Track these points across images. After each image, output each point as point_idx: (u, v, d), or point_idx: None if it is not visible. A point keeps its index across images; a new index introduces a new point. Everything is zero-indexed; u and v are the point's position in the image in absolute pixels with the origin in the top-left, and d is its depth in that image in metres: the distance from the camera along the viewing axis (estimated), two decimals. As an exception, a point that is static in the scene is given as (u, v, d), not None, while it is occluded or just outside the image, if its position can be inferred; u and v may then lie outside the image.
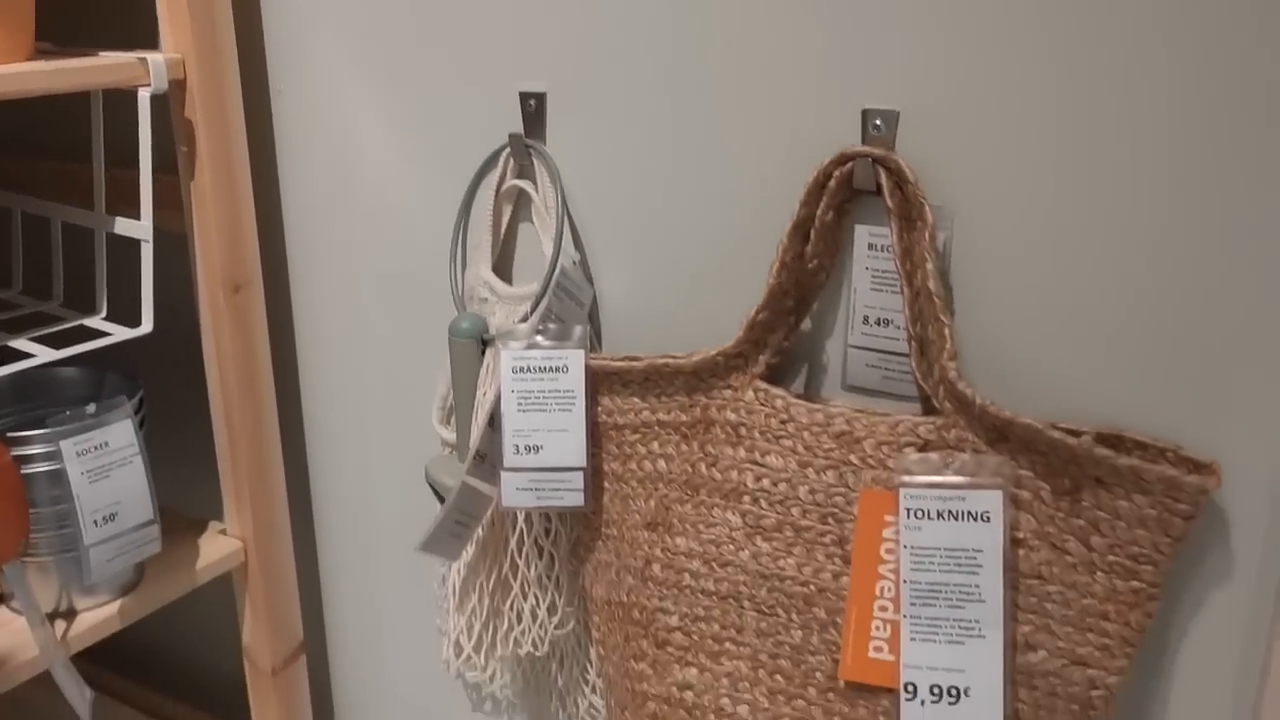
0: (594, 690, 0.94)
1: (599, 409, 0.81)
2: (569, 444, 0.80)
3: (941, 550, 0.68)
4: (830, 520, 0.72)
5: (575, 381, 0.79)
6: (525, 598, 0.88)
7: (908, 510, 0.69)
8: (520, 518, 0.86)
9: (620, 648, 0.81)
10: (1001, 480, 0.67)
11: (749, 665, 0.75)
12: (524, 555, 0.87)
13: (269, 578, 1.04)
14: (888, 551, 0.70)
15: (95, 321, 0.93)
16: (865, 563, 0.71)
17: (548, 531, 0.87)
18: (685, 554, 0.76)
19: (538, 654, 0.90)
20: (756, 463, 0.74)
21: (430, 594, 1.07)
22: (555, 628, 0.89)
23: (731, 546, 0.75)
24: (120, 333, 0.89)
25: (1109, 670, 0.68)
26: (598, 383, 0.80)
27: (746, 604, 0.75)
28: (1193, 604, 0.70)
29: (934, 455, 0.69)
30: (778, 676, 0.74)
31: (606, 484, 0.82)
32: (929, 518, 0.68)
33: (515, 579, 0.88)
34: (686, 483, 0.77)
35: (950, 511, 0.68)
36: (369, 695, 1.17)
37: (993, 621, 0.68)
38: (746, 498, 0.74)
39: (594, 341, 0.87)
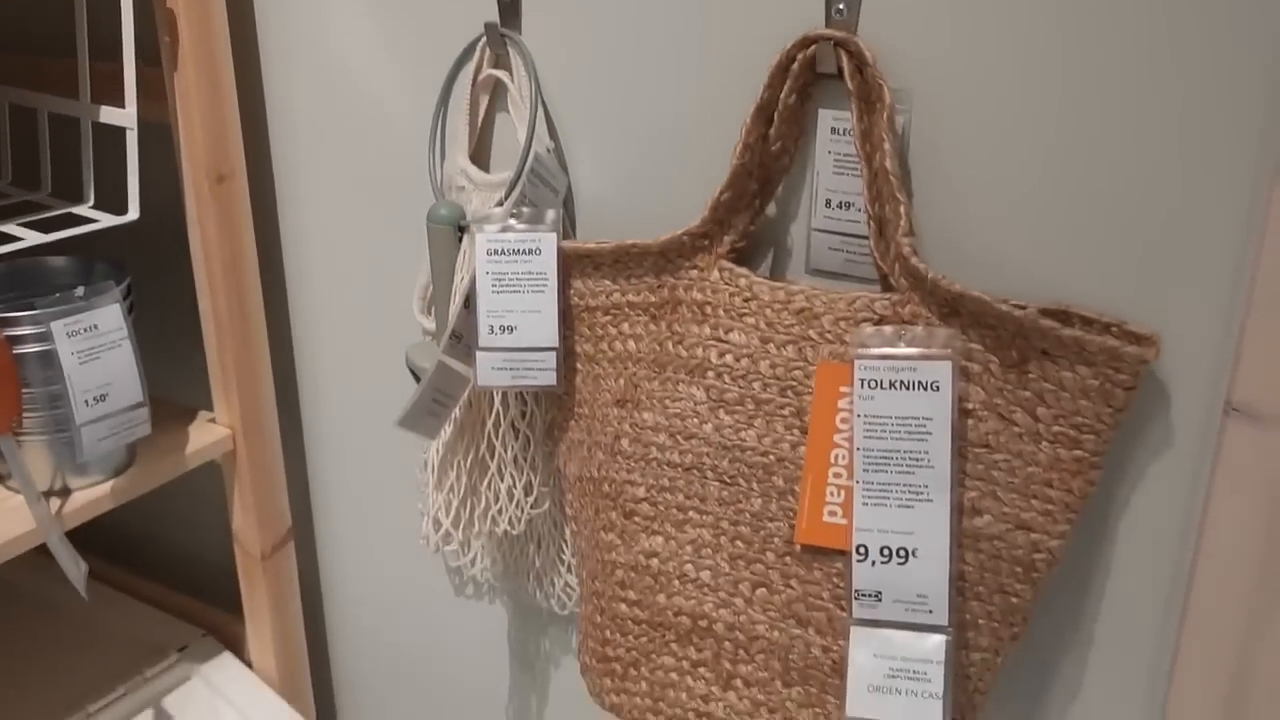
0: (569, 569, 0.98)
1: (571, 292, 0.84)
2: (542, 324, 0.83)
3: (893, 419, 0.71)
4: (789, 393, 0.75)
5: (548, 264, 0.82)
6: (502, 478, 0.92)
7: (862, 381, 0.72)
8: (496, 400, 0.89)
9: (591, 521, 0.85)
10: (951, 352, 0.70)
11: (711, 532, 0.78)
12: (500, 436, 0.90)
13: (257, 465, 1.07)
14: (842, 421, 0.74)
15: (83, 209, 0.95)
16: (821, 432, 0.74)
17: (524, 414, 0.90)
18: (652, 428, 0.80)
19: (514, 533, 0.94)
20: (720, 339, 0.77)
21: (414, 481, 1.10)
22: (531, 507, 0.93)
23: (696, 420, 0.78)
24: (106, 219, 0.91)
25: (1051, 535, 0.72)
26: (569, 266, 0.83)
27: (709, 474, 0.78)
28: (1135, 474, 0.74)
29: (888, 329, 0.72)
30: (738, 542, 0.78)
31: (579, 365, 0.85)
32: (882, 388, 0.71)
33: (492, 460, 0.91)
34: (654, 361, 0.80)
35: (902, 382, 0.71)
36: (356, 580, 1.21)
37: (940, 487, 0.71)
38: (710, 373, 0.77)
39: (569, 229, 0.89)
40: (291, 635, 1.16)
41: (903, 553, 0.72)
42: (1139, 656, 0.77)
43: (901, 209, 0.71)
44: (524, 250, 0.82)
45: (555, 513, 0.96)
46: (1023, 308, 0.69)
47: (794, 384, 0.75)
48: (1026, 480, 0.71)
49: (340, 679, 1.29)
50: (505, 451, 0.91)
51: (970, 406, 0.72)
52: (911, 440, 0.71)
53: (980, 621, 0.74)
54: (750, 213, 0.79)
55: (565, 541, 0.97)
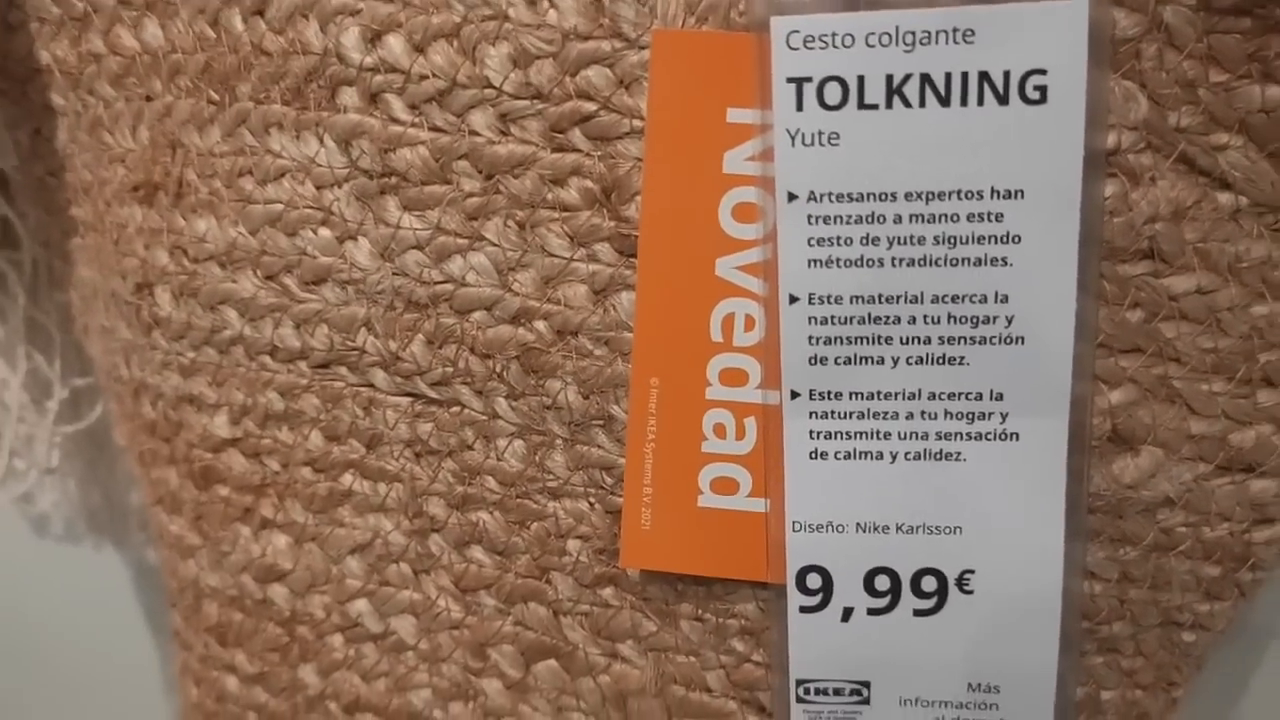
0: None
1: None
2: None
3: (899, 199, 0.23)
4: (572, 138, 0.26)
5: None
6: (-24, 369, 0.41)
7: (795, 84, 0.23)
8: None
9: (148, 489, 0.36)
10: (1080, -31, 0.22)
11: (405, 525, 0.30)
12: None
13: None
14: (736, 214, 0.25)
15: None
16: (676, 250, 0.25)
17: (-15, 224, 0.39)
18: (223, 255, 0.29)
19: (45, 471, 0.44)
20: (367, -8, 0.27)
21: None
22: (56, 422, 0.43)
23: (326, 230, 0.28)
24: None
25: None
26: None
27: (380, 376, 0.29)
28: None
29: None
30: (474, 552, 0.29)
31: (54, 96, 0.34)
32: (856, 103, 0.23)
33: (-60, 332, 0.41)
34: (208, 69, 0.29)
35: (927, 79, 0.22)
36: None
37: (1046, 391, 0.24)
38: (351, 93, 0.27)
39: None
40: None
41: (931, 582, 0.25)
42: None
43: None
44: None
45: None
46: None
47: (584, 112, 0.26)
48: (1247, 343, 0.25)
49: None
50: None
51: (1115, 143, 0.24)
52: (957, 265, 0.23)
53: (1106, 697, 0.29)
54: None
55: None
